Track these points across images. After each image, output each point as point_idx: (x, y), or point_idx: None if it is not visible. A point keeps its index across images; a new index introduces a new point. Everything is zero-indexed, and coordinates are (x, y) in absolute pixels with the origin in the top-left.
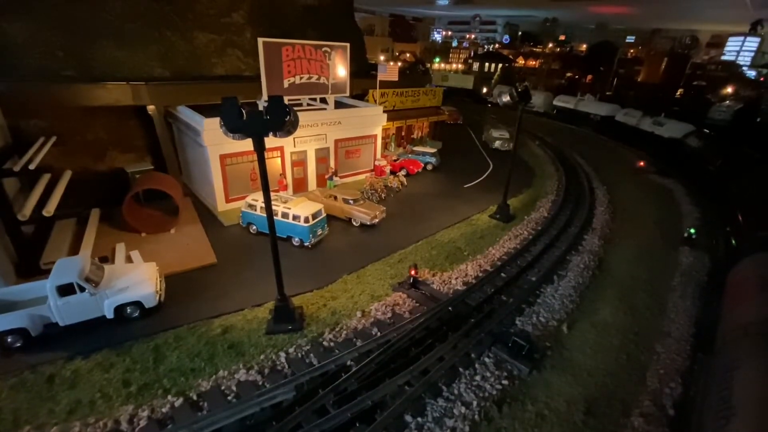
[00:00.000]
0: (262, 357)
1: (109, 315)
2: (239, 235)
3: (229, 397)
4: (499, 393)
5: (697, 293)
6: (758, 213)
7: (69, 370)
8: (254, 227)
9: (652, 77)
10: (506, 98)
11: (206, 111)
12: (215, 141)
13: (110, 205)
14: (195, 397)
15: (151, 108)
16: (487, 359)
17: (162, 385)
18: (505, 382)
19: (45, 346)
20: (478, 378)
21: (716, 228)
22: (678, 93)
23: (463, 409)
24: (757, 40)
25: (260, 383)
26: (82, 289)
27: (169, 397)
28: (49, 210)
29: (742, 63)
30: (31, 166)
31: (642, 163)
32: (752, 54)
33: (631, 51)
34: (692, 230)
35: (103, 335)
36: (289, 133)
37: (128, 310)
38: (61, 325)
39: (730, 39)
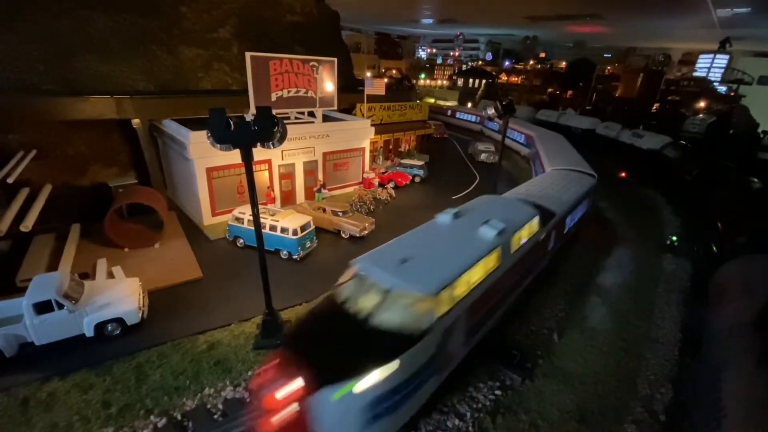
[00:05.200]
0: (250, 373)
1: (89, 333)
2: (226, 249)
3: (216, 416)
4: (492, 404)
5: (681, 299)
6: (736, 219)
7: (45, 392)
8: (241, 240)
9: (629, 92)
10: (491, 111)
11: (192, 125)
12: (202, 154)
13: (92, 220)
14: (179, 417)
15: (135, 121)
16: (479, 369)
17: (144, 405)
18: (498, 392)
19: (19, 366)
20: (471, 389)
21: (697, 235)
22: (654, 107)
23: (456, 422)
24: (726, 57)
25: (248, 400)
26: (61, 307)
27: (152, 417)
28: (27, 225)
29: (713, 79)
30: (9, 180)
31: (623, 174)
32: (722, 70)
33: (608, 68)
34: (674, 238)
35: (82, 354)
36: (278, 143)
37: (109, 328)
38: (38, 345)
39: (701, 56)
